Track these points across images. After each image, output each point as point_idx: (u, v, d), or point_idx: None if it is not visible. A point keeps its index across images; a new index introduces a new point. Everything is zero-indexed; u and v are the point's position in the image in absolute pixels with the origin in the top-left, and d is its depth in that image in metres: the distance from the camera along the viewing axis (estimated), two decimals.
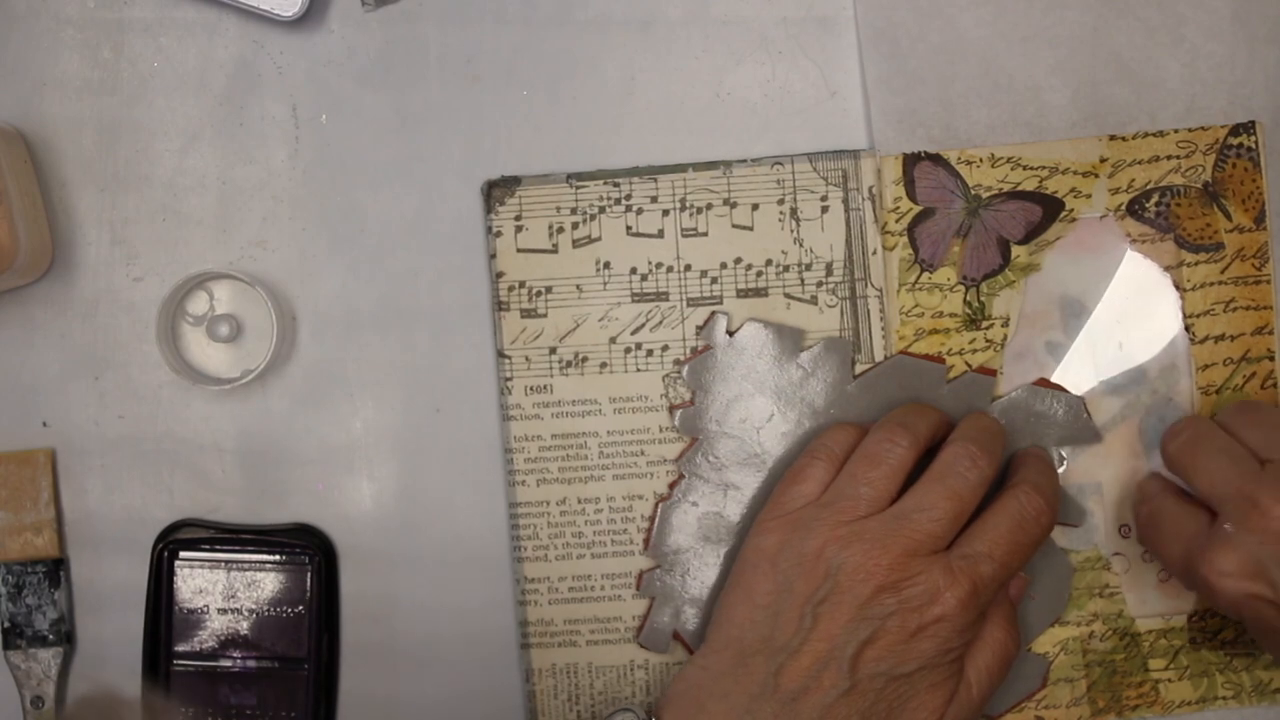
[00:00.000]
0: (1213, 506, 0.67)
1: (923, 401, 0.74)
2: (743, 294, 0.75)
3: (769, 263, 0.75)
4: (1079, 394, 0.75)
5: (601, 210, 0.75)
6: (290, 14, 0.74)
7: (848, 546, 0.66)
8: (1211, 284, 0.75)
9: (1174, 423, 0.72)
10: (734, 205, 0.75)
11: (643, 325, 0.75)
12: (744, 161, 0.75)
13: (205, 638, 0.74)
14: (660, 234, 0.75)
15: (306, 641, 0.74)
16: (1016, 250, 0.75)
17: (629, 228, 0.75)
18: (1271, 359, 0.74)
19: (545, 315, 0.75)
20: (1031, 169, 0.74)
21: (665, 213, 0.75)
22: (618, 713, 0.68)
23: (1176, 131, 0.75)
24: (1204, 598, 0.67)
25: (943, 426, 0.72)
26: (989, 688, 0.68)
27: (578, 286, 0.75)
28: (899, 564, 0.65)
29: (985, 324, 0.75)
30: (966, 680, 0.67)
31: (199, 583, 0.75)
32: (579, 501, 0.75)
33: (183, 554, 0.74)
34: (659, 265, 0.75)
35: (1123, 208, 0.75)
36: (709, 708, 0.66)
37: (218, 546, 0.75)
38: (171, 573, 0.74)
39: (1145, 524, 0.71)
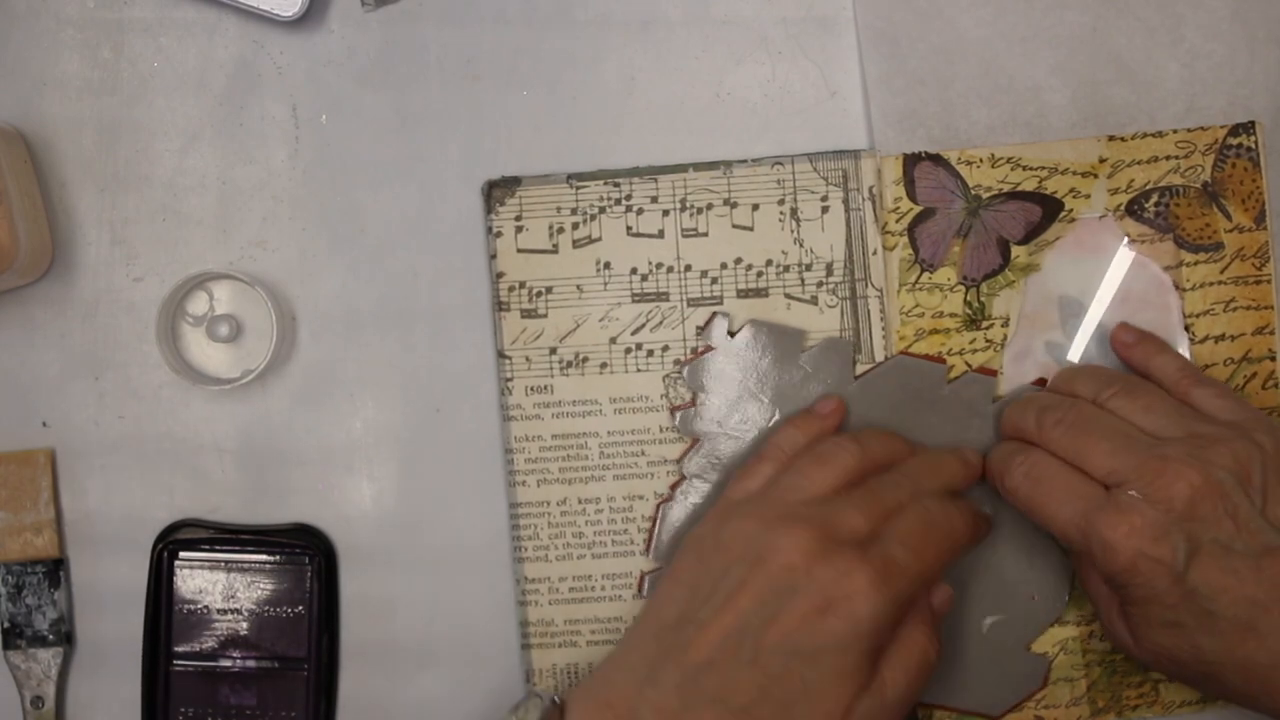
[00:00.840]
0: (1108, 483, 0.67)
1: (923, 400, 0.74)
2: (743, 294, 0.75)
3: (769, 263, 0.75)
4: None
5: (602, 210, 0.75)
6: (290, 14, 0.74)
7: (771, 529, 0.66)
8: (1211, 284, 0.75)
9: (1045, 405, 0.71)
10: (734, 205, 0.75)
11: (643, 325, 0.75)
12: (744, 162, 0.75)
13: (205, 638, 0.74)
14: (660, 234, 0.75)
15: (306, 641, 0.74)
16: (1016, 250, 0.75)
17: (629, 228, 0.75)
18: (1272, 359, 0.75)
19: (546, 315, 0.75)
20: (1031, 169, 0.74)
21: (665, 213, 0.75)
22: (529, 698, 0.67)
23: (1176, 132, 0.75)
24: (1094, 560, 0.66)
25: (900, 454, 0.72)
26: (906, 690, 0.66)
27: (578, 287, 0.75)
28: (815, 545, 0.65)
29: (985, 324, 0.75)
30: (880, 678, 0.65)
31: (199, 583, 0.75)
32: (579, 502, 0.75)
33: (183, 554, 0.74)
34: (659, 265, 0.75)
35: (1122, 208, 0.75)
36: (616, 683, 0.65)
37: (218, 546, 0.75)
38: (171, 573, 0.74)
39: (1024, 482, 0.69)
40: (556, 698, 0.67)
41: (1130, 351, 0.73)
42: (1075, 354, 0.75)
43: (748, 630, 0.64)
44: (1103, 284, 0.75)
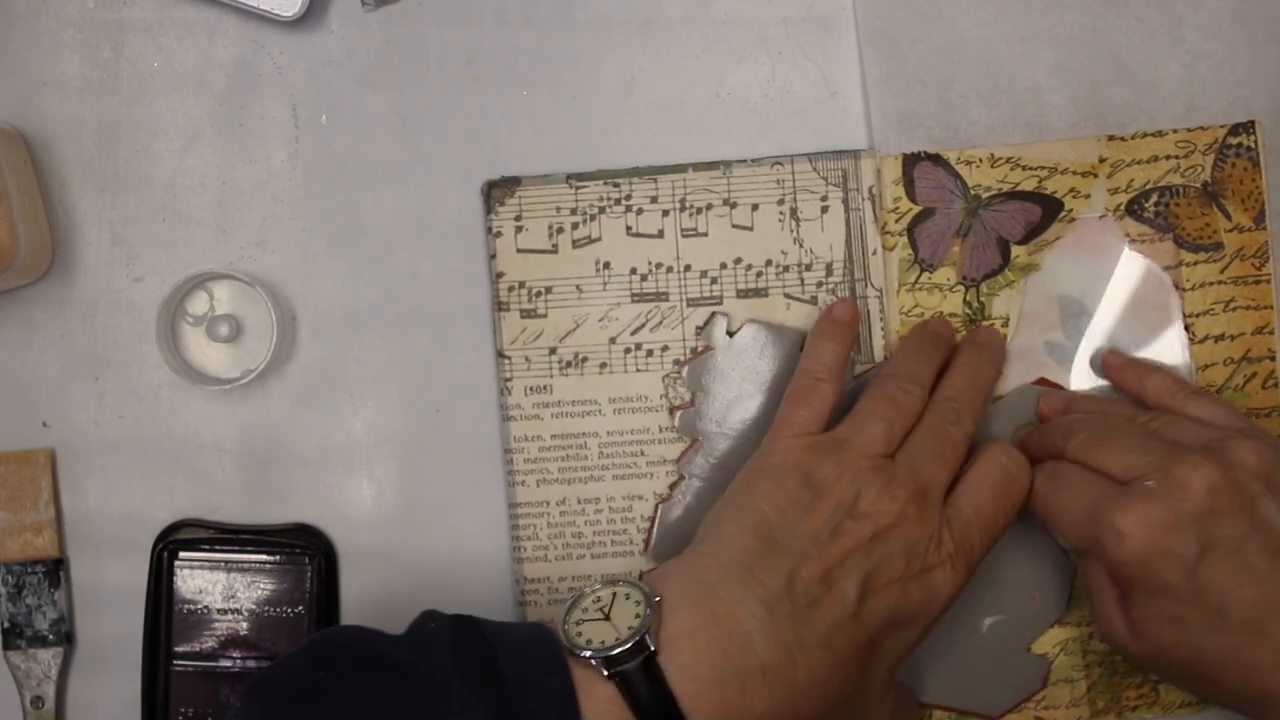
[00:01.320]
0: (1126, 479, 0.67)
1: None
2: (743, 294, 0.75)
3: (769, 263, 0.75)
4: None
5: (601, 210, 0.75)
6: (290, 14, 0.74)
7: (867, 480, 0.66)
8: (1211, 284, 0.75)
9: (1070, 424, 0.71)
10: (734, 205, 0.75)
11: (642, 325, 0.75)
12: (744, 162, 0.75)
13: (205, 638, 0.74)
14: (660, 234, 0.75)
15: None
16: (1016, 250, 0.75)
17: (629, 228, 0.75)
18: (1272, 359, 0.74)
19: (545, 315, 0.75)
20: (1031, 169, 0.74)
21: (665, 213, 0.75)
22: (616, 583, 0.64)
23: (1176, 131, 0.75)
24: (1103, 550, 0.66)
25: (943, 364, 0.73)
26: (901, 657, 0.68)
27: (577, 287, 0.75)
28: (911, 504, 0.66)
29: (985, 324, 0.75)
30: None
31: (199, 583, 0.75)
32: (579, 502, 0.75)
33: (183, 554, 0.74)
34: (659, 265, 0.75)
35: (1122, 208, 0.75)
36: (723, 594, 0.63)
37: (218, 547, 0.75)
38: (171, 573, 0.74)
39: (1042, 483, 0.70)
40: (656, 596, 0.63)
41: (1122, 374, 0.74)
42: (1075, 353, 0.75)
43: (853, 574, 0.64)
44: (1103, 284, 0.75)
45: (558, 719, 0.59)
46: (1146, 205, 0.75)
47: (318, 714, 0.59)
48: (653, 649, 0.61)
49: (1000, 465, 0.69)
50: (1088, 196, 0.75)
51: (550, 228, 0.75)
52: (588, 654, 0.61)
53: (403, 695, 0.59)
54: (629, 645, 0.60)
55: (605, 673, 0.60)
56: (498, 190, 0.75)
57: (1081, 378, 0.75)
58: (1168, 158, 0.75)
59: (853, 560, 0.64)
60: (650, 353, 0.75)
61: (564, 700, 0.59)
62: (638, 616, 0.62)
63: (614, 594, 0.63)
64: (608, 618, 0.62)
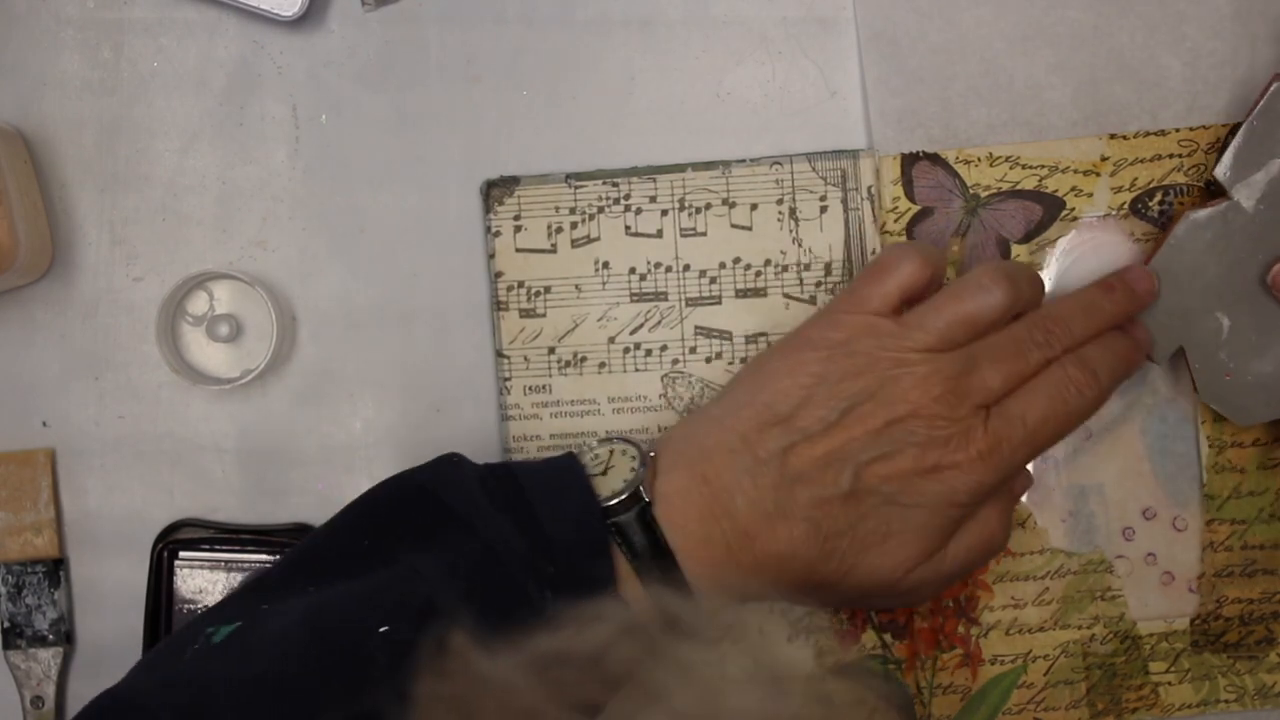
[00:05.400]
0: None
1: None
2: (741, 294, 0.75)
3: (768, 263, 0.75)
4: None
5: (600, 210, 0.75)
6: (290, 14, 0.74)
7: (906, 368, 0.65)
8: None
9: None
10: (733, 205, 0.75)
11: (641, 325, 0.75)
12: (743, 161, 0.75)
13: None
14: (659, 234, 0.75)
15: None
16: (1017, 250, 0.74)
17: (628, 227, 0.75)
18: None
19: (544, 315, 0.75)
20: (1030, 168, 0.74)
21: (664, 213, 0.75)
22: (612, 441, 0.66)
23: (1178, 130, 0.75)
24: None
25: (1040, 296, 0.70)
26: (963, 568, 0.67)
27: (576, 286, 0.75)
28: (944, 402, 0.65)
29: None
30: (945, 550, 0.67)
31: (199, 583, 0.75)
32: None
33: (182, 554, 0.74)
34: (658, 265, 0.75)
35: (1126, 206, 0.75)
36: (715, 459, 0.65)
37: (217, 546, 0.75)
38: (171, 573, 0.74)
39: None
40: (650, 451, 0.66)
41: None
42: None
43: (852, 461, 0.64)
44: None
45: (582, 534, 0.62)
46: (1150, 204, 0.75)
47: (350, 535, 0.64)
48: (647, 500, 0.64)
49: (1065, 374, 0.67)
50: (1090, 195, 0.74)
51: (549, 227, 0.75)
52: None
53: (434, 512, 0.63)
54: (624, 496, 0.64)
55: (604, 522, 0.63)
56: (497, 190, 0.75)
57: None
58: (1171, 156, 0.75)
59: (857, 446, 0.65)
60: (649, 352, 0.75)
61: (586, 506, 0.63)
62: (633, 470, 0.64)
63: (611, 450, 0.66)
64: (605, 473, 0.65)
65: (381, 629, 0.59)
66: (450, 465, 0.66)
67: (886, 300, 0.67)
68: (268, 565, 0.74)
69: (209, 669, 0.59)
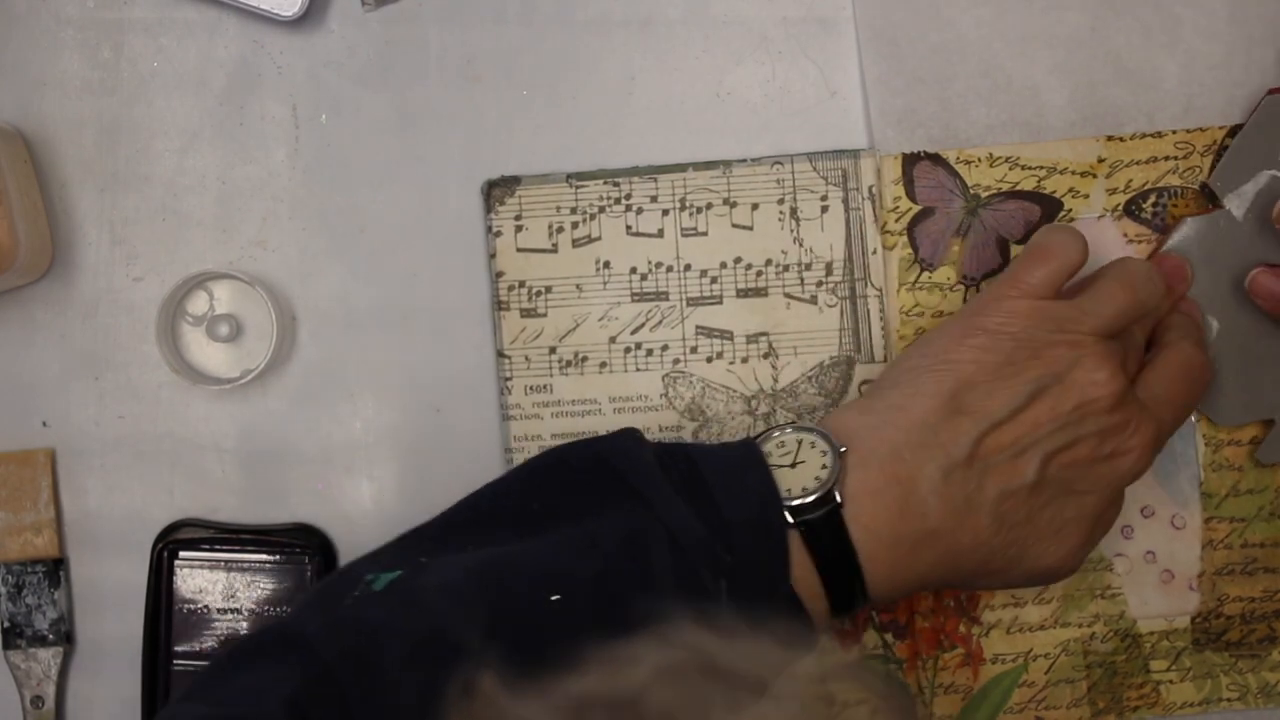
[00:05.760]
0: None
1: None
2: (742, 294, 0.75)
3: (769, 262, 0.75)
4: None
5: (601, 210, 0.75)
6: (290, 14, 0.74)
7: (1086, 353, 0.65)
8: None
9: None
10: (734, 205, 0.75)
11: (642, 325, 0.75)
12: (744, 161, 0.75)
13: (205, 637, 0.74)
14: (660, 234, 0.75)
15: None
16: (1016, 249, 0.75)
17: (629, 227, 0.75)
18: None
19: (545, 315, 0.75)
20: (1030, 169, 0.74)
21: (665, 212, 0.75)
22: (797, 430, 0.65)
23: (1174, 132, 0.75)
24: None
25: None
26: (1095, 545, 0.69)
27: (577, 286, 0.75)
28: (1121, 388, 0.65)
29: None
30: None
31: (199, 582, 0.74)
32: None
33: (182, 554, 0.74)
34: (659, 265, 0.75)
35: (1120, 208, 0.75)
36: (906, 455, 0.64)
37: (217, 546, 0.74)
38: (171, 572, 0.74)
39: None
40: (842, 447, 0.65)
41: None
42: None
43: (1039, 449, 0.64)
44: None
45: (762, 526, 0.62)
46: (1144, 206, 0.75)
47: (521, 498, 0.64)
48: (839, 501, 0.63)
49: (1187, 353, 0.69)
50: (1086, 196, 0.75)
51: (550, 227, 0.75)
52: None
53: (612, 484, 0.62)
54: (814, 497, 0.63)
55: (790, 520, 0.63)
56: (498, 190, 0.75)
57: None
58: (1166, 158, 0.75)
59: (1045, 432, 0.65)
60: (650, 352, 0.75)
61: (766, 498, 0.63)
62: (824, 468, 0.64)
63: (799, 441, 0.65)
64: (794, 466, 0.64)
65: (554, 597, 0.59)
66: (629, 440, 0.65)
67: (1052, 284, 0.67)
68: (271, 561, 0.74)
69: (372, 615, 0.59)
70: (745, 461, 0.64)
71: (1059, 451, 0.65)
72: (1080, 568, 0.68)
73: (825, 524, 0.63)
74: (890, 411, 0.66)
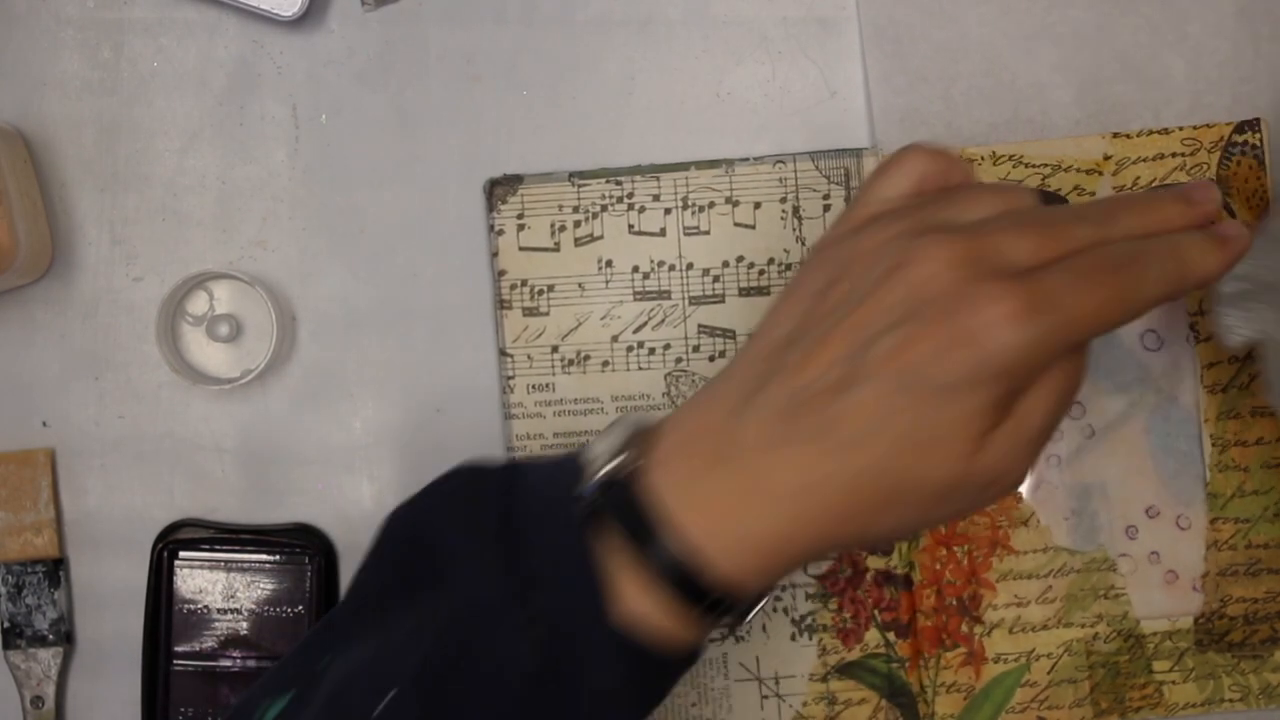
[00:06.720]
0: None
1: None
2: (745, 292, 0.74)
3: (771, 261, 0.74)
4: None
5: (603, 209, 0.75)
6: (290, 14, 0.74)
7: (921, 235, 0.53)
8: None
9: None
10: (736, 204, 0.74)
11: (645, 324, 0.75)
12: (746, 160, 0.75)
13: (205, 638, 0.74)
14: (662, 232, 0.75)
15: None
16: None
17: (631, 226, 0.75)
18: None
19: (547, 314, 0.75)
20: (1034, 166, 0.74)
21: (667, 211, 0.75)
22: (618, 421, 0.56)
23: (1181, 129, 0.74)
24: None
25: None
26: (1046, 419, 0.54)
27: (580, 285, 0.75)
28: (966, 265, 0.52)
29: None
30: (1018, 411, 0.53)
31: (198, 583, 0.74)
32: None
33: (182, 554, 0.74)
34: (661, 263, 0.74)
35: None
36: (714, 403, 0.55)
37: (217, 546, 0.74)
38: (171, 573, 0.74)
39: None
40: (650, 423, 0.56)
41: None
42: None
43: (869, 347, 0.52)
44: None
45: (560, 550, 0.54)
46: None
47: (361, 595, 0.59)
48: (637, 466, 0.54)
49: (1111, 250, 0.54)
50: (1093, 194, 0.74)
51: (552, 226, 0.75)
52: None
53: (423, 564, 0.57)
54: (606, 471, 0.55)
55: (590, 512, 0.55)
56: (500, 188, 0.75)
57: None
58: (1173, 155, 0.74)
59: (876, 325, 0.53)
60: (652, 351, 0.75)
61: (569, 511, 0.55)
62: (610, 451, 0.55)
63: (613, 430, 0.56)
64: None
65: (384, 702, 0.53)
66: (449, 495, 0.59)
67: (900, 195, 0.57)
68: (271, 561, 0.74)
69: None
70: (558, 475, 0.56)
71: (893, 348, 0.52)
72: (1005, 460, 0.53)
73: (624, 498, 0.54)
74: (712, 383, 0.57)
